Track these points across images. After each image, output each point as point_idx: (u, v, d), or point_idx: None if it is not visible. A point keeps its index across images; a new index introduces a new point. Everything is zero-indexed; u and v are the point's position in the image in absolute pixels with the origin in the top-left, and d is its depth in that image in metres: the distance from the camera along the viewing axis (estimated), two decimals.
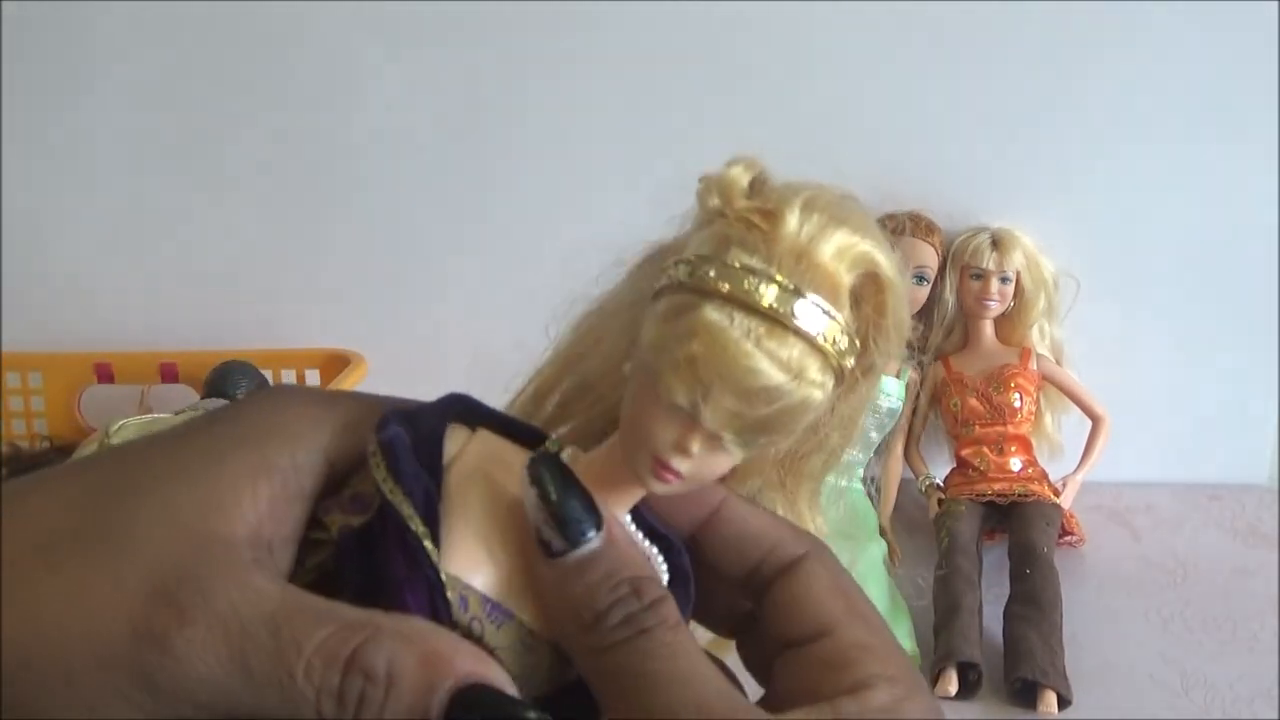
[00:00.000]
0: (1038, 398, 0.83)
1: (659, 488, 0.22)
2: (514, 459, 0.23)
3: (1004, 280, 0.82)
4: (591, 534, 0.21)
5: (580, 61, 0.82)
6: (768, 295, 0.21)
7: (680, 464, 0.21)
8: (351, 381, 0.82)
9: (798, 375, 0.21)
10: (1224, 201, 0.83)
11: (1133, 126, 0.82)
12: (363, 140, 0.85)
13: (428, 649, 0.19)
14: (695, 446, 0.21)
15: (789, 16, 0.80)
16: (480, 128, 0.85)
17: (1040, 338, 0.84)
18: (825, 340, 0.21)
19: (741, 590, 0.24)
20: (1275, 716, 0.60)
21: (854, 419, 0.25)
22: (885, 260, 0.22)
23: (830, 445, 0.25)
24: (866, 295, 0.23)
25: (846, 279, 0.22)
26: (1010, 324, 0.84)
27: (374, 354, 0.87)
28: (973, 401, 0.82)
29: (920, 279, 0.82)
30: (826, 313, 0.21)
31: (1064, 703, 0.62)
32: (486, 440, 0.24)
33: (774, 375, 0.20)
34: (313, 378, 0.88)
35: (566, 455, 0.23)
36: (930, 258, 0.81)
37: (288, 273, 0.90)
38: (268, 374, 0.86)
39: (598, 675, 0.21)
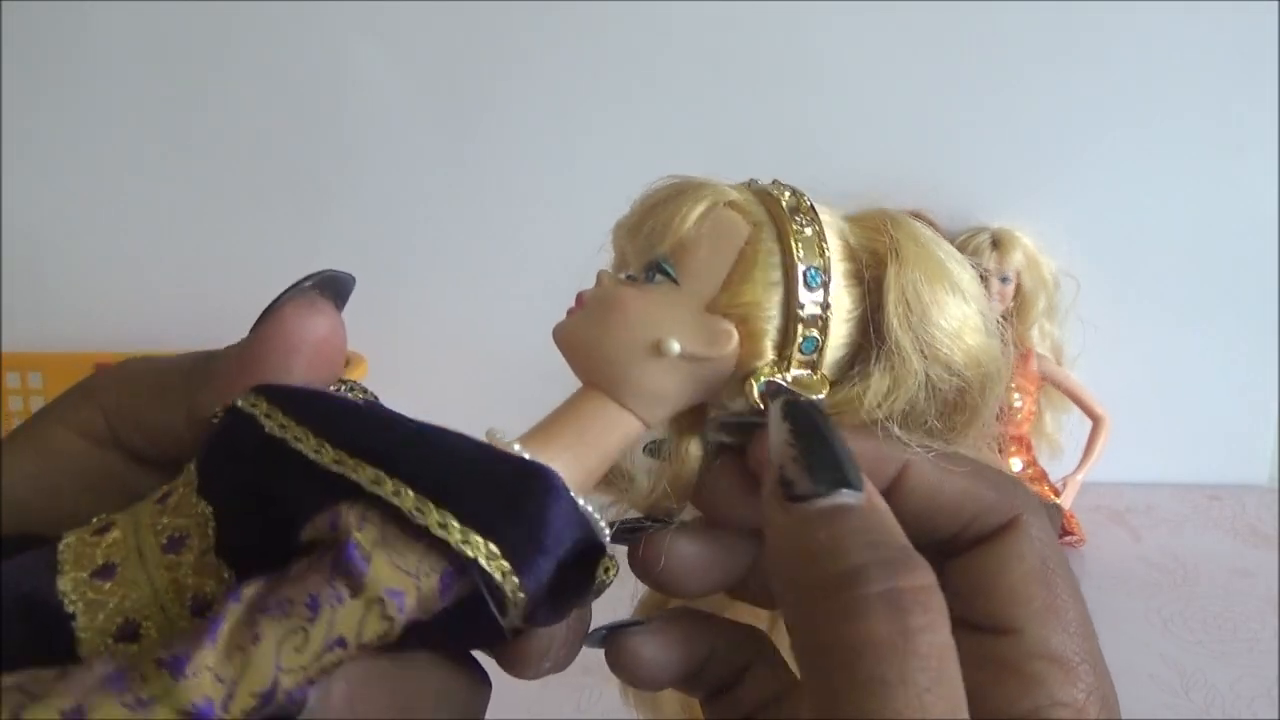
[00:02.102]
0: (1038, 398, 0.83)
1: (561, 325, 0.23)
2: None
3: (1004, 280, 0.82)
4: (845, 490, 0.17)
5: (580, 60, 0.82)
6: None
7: (589, 293, 0.23)
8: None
9: (691, 190, 0.23)
10: (1224, 201, 0.83)
11: (1133, 126, 0.82)
12: (362, 139, 0.85)
13: None
14: (605, 278, 0.23)
15: (789, 16, 0.80)
16: (481, 126, 0.85)
17: (1040, 338, 0.84)
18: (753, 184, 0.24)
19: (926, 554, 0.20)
20: (1275, 717, 0.60)
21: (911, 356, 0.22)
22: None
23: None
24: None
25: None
26: (1010, 324, 0.84)
27: (374, 353, 0.87)
28: None
29: None
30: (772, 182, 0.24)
31: None
32: None
33: (671, 185, 0.24)
34: None
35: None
36: None
37: (287, 272, 0.89)
38: None
39: (823, 652, 0.16)
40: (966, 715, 0.16)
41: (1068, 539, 0.79)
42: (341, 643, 0.17)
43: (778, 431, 0.19)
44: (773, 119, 0.83)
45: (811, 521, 0.17)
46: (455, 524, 0.18)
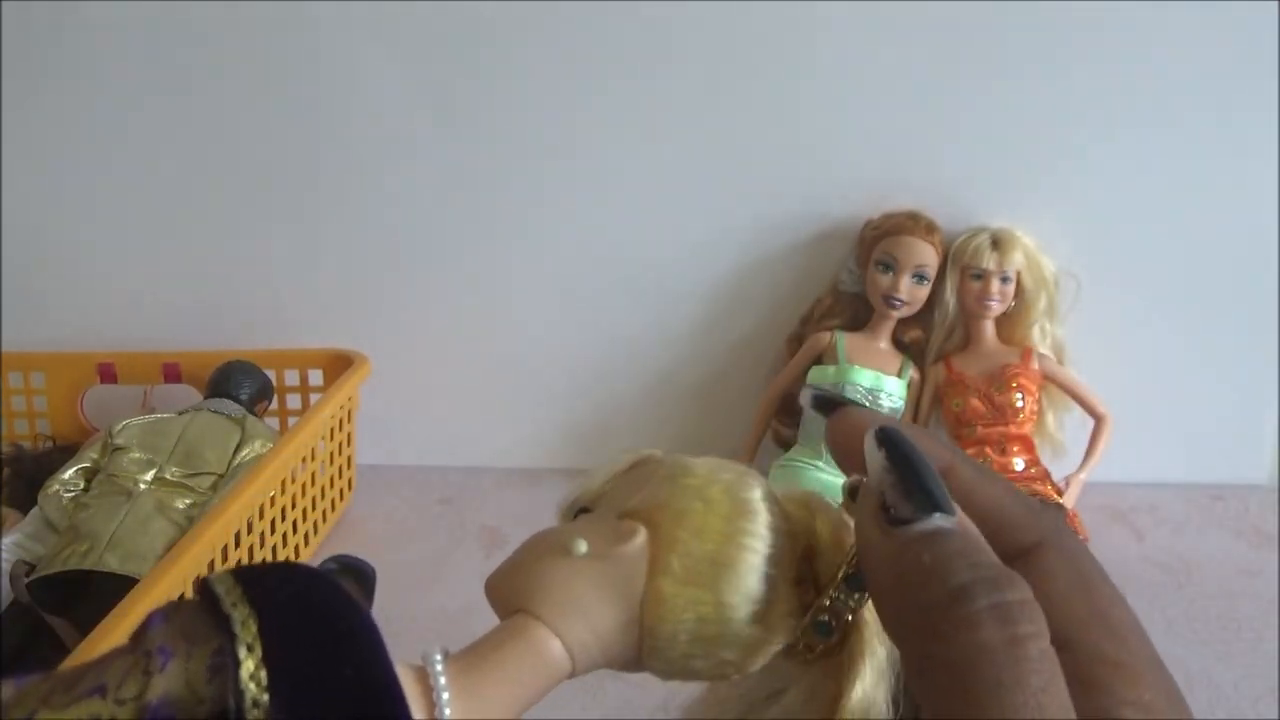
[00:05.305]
0: (1040, 397, 0.83)
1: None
2: None
3: (1004, 280, 0.82)
4: (939, 514, 0.18)
5: (581, 61, 0.82)
6: None
7: None
8: (355, 381, 0.82)
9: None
10: (1225, 201, 0.83)
11: (1133, 126, 0.82)
12: (364, 139, 0.85)
13: None
14: None
15: (789, 16, 0.80)
16: (481, 127, 0.85)
17: (1041, 337, 0.84)
18: None
19: None
20: (1278, 717, 0.60)
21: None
22: None
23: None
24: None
25: None
26: (1011, 323, 0.84)
27: (375, 353, 0.87)
28: (974, 402, 0.82)
29: (920, 278, 0.82)
30: None
31: None
32: None
33: None
34: (316, 378, 0.88)
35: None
36: (930, 257, 0.81)
37: (290, 272, 0.90)
38: (271, 374, 0.86)
39: (939, 667, 0.17)
40: (1075, 717, 0.17)
41: None
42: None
43: (874, 458, 0.19)
44: (772, 119, 0.83)
45: (914, 544, 0.18)
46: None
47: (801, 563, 0.22)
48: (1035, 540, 0.20)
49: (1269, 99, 0.80)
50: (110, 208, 0.89)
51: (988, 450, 0.81)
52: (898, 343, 0.85)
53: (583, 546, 0.21)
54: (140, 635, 0.18)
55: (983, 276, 0.82)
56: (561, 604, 0.21)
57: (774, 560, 0.22)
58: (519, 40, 0.82)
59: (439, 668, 0.20)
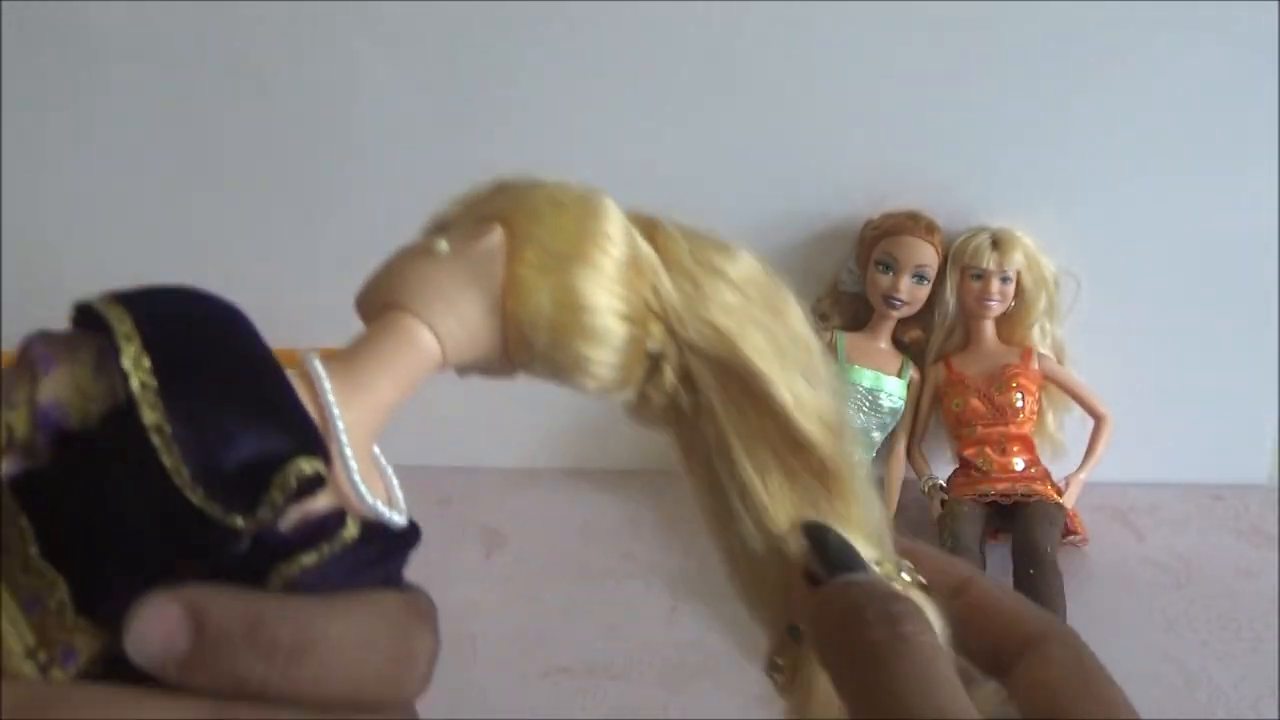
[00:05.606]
0: (1040, 397, 0.83)
1: None
2: None
3: (1004, 280, 0.82)
4: (849, 573, 0.23)
5: (580, 59, 0.82)
6: None
7: None
8: None
9: None
10: (1224, 201, 0.83)
11: (1133, 126, 0.82)
12: (364, 138, 0.85)
13: None
14: None
15: (789, 16, 0.80)
16: (481, 125, 0.85)
17: (1041, 337, 0.84)
18: None
19: (991, 674, 0.24)
20: (1278, 716, 0.60)
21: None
22: None
23: None
24: None
25: None
26: (1011, 323, 0.84)
27: None
28: (974, 402, 0.82)
29: (920, 278, 0.82)
30: None
31: None
32: None
33: None
34: None
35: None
36: (930, 257, 0.81)
37: (290, 272, 0.90)
38: None
39: (849, 668, 0.21)
40: (964, 694, 0.19)
41: (1071, 538, 0.79)
42: None
43: (800, 545, 0.24)
44: (774, 119, 0.83)
45: (832, 593, 0.22)
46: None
47: (653, 293, 0.24)
48: (1041, 632, 0.24)
49: (1269, 99, 0.80)
50: (110, 208, 0.89)
51: (988, 450, 0.81)
52: (898, 343, 0.85)
53: (444, 245, 0.24)
54: (23, 353, 0.19)
55: (983, 276, 0.82)
56: (427, 297, 0.23)
57: (623, 264, 0.24)
58: (519, 40, 0.82)
59: (315, 360, 0.22)
